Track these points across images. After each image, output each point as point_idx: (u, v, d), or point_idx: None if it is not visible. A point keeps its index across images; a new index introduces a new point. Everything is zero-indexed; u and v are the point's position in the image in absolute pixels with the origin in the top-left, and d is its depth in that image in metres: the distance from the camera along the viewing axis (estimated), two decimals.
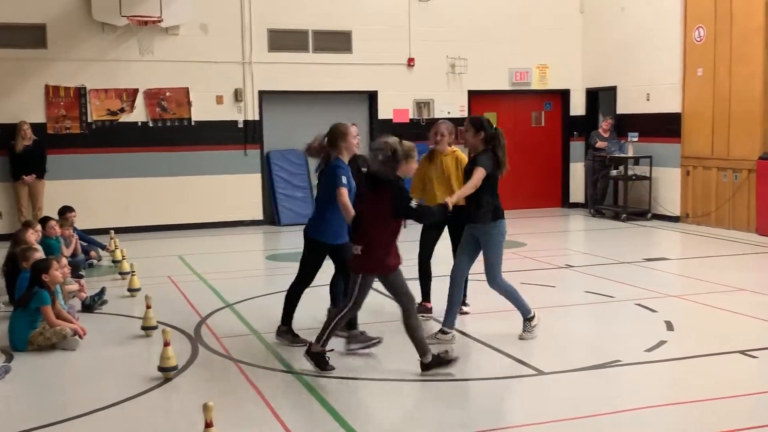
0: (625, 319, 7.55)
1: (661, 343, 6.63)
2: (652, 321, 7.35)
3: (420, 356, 5.90)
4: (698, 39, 13.31)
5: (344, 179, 6.33)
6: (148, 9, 12.99)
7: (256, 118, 14.20)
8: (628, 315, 7.67)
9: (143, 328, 7.07)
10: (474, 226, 6.65)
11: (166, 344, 5.82)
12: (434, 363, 5.87)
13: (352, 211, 6.12)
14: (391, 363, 6.25)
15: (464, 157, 7.47)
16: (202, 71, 13.76)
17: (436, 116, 14.94)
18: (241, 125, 14.13)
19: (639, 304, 7.95)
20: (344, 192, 6.27)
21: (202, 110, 13.86)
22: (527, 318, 6.84)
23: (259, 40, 14.06)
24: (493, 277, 6.69)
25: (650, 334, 6.85)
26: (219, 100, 13.95)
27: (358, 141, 6.71)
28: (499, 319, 7.30)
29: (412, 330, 5.89)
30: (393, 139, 5.86)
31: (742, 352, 6.35)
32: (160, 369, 5.85)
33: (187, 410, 5.30)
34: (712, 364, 6.19)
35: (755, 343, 6.68)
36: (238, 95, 13.99)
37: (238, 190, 14.13)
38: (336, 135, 6.49)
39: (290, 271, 10.29)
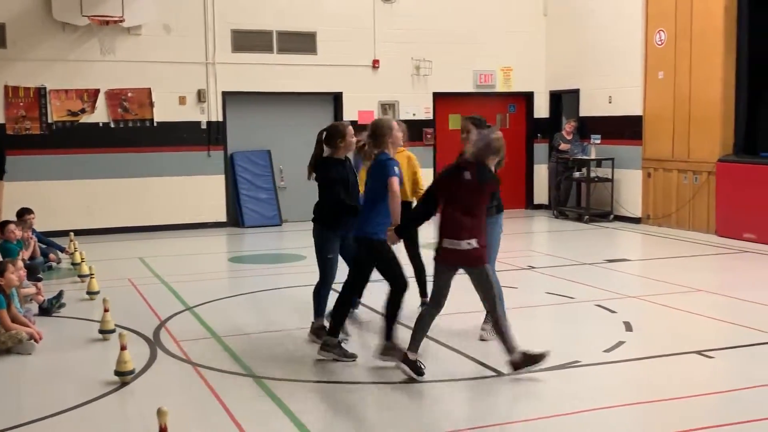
0: (585, 320, 7.61)
1: (620, 343, 6.69)
2: (611, 322, 7.42)
3: (508, 353, 5.90)
4: (659, 42, 13.47)
5: (397, 170, 6.17)
6: (109, 9, 12.84)
7: (220, 119, 14.11)
8: (588, 316, 7.73)
9: (101, 331, 6.98)
10: None
11: (123, 348, 5.76)
12: (526, 360, 5.88)
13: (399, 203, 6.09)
14: (352, 366, 6.23)
15: (414, 157, 7.75)
16: (164, 72, 13.63)
17: (401, 118, 14.93)
18: (204, 126, 14.02)
19: (599, 305, 8.02)
20: (396, 181, 6.12)
21: (164, 111, 13.73)
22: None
23: (223, 40, 13.97)
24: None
25: (609, 335, 6.91)
26: (182, 100, 13.83)
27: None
28: (458, 320, 7.31)
29: (497, 328, 5.93)
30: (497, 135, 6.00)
31: (699, 353, 6.43)
32: (117, 373, 5.79)
33: (143, 415, 5.23)
34: (670, 364, 6.25)
35: (712, 343, 6.78)
36: (201, 96, 13.89)
37: (201, 192, 14.02)
38: (382, 131, 6.31)
39: (253, 272, 10.34)
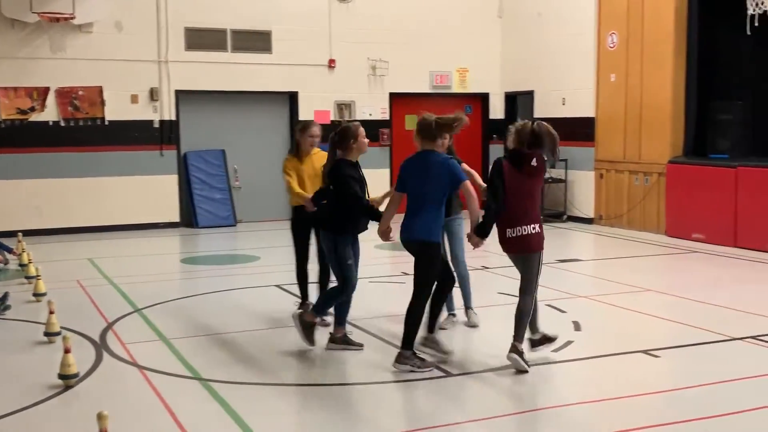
0: None
1: (568, 343, 6.75)
2: (560, 321, 7.47)
3: (514, 339, 6.08)
4: (611, 45, 13.64)
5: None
6: (60, 6, 12.63)
7: (173, 118, 13.96)
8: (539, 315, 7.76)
9: (46, 334, 6.85)
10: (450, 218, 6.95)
11: (67, 351, 5.66)
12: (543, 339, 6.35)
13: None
14: (300, 368, 6.20)
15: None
16: (116, 70, 13.46)
17: (357, 118, 14.96)
18: (156, 125, 13.86)
19: (549, 305, 8.07)
20: (470, 184, 6.07)
21: (116, 110, 13.55)
22: (470, 307, 7.42)
23: (176, 38, 13.82)
24: (460, 257, 7.26)
25: (558, 335, 6.96)
26: (134, 99, 13.66)
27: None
28: (400, 321, 7.30)
29: (522, 314, 6.12)
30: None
31: (645, 352, 6.51)
32: (61, 376, 5.68)
33: (85, 419, 5.13)
34: (617, 363, 6.33)
35: (659, 342, 6.87)
36: (153, 94, 13.72)
37: (154, 192, 13.86)
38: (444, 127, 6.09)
39: (205, 274, 10.24)
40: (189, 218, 14.14)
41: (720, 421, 5.07)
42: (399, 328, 7.10)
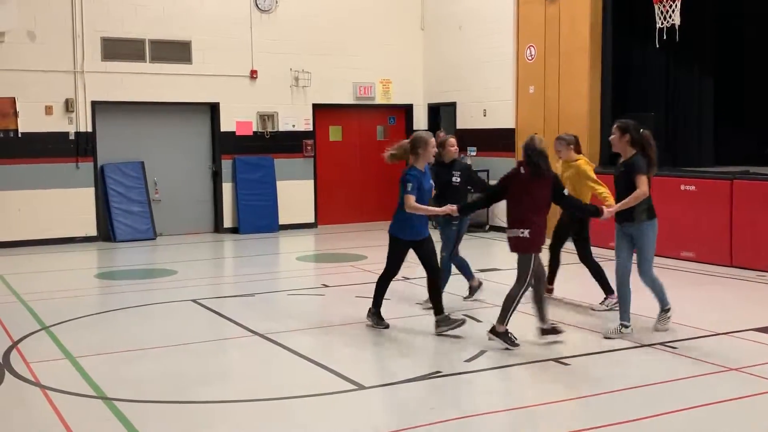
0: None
1: (482, 352, 6.79)
2: (475, 331, 7.51)
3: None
4: (530, 58, 13.87)
5: None
6: None
7: (89, 129, 13.62)
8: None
9: None
10: (630, 225, 7.34)
11: None
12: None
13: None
14: (202, 386, 6.07)
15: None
16: (29, 80, 13.09)
17: (280, 129, 14.90)
18: (72, 137, 13.51)
19: (466, 315, 8.10)
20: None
21: (29, 121, 13.16)
22: (664, 309, 7.54)
23: (92, 48, 13.52)
24: (645, 271, 7.41)
25: (471, 344, 7.01)
26: (48, 110, 13.29)
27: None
28: (319, 333, 7.27)
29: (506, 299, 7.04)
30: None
31: (557, 360, 6.59)
32: None
33: None
34: (527, 371, 6.39)
35: (569, 350, 6.93)
36: (69, 106, 13.38)
37: (70, 205, 13.49)
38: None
39: (120, 289, 10.00)
40: (106, 232, 13.81)
41: (631, 426, 5.12)
42: (311, 340, 7.05)
